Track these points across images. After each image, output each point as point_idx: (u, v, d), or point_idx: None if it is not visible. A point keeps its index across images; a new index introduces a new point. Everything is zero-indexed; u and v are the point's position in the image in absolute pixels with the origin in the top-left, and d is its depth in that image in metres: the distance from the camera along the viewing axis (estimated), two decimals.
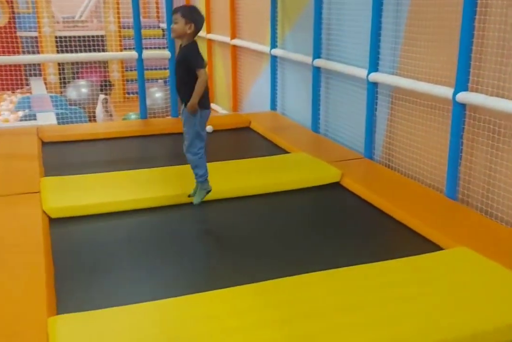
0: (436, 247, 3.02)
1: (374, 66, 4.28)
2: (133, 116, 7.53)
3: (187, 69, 3.16)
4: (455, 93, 3.44)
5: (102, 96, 7.76)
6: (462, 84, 3.42)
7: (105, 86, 7.94)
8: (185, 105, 3.23)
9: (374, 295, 2.42)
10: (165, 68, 9.35)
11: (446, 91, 3.55)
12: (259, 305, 2.33)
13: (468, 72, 3.41)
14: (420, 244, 3.09)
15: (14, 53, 8.68)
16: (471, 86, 3.44)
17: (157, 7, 11.70)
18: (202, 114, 3.24)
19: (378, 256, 2.86)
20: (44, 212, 3.38)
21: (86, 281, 2.70)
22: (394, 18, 4.13)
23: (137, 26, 5.82)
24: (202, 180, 3.34)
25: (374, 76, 4.28)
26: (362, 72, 4.44)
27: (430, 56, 3.81)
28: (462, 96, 3.40)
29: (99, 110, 7.62)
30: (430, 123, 3.90)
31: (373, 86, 4.36)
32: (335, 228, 3.37)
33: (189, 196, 3.53)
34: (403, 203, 3.53)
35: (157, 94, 7.75)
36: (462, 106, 3.47)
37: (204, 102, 3.24)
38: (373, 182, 4.02)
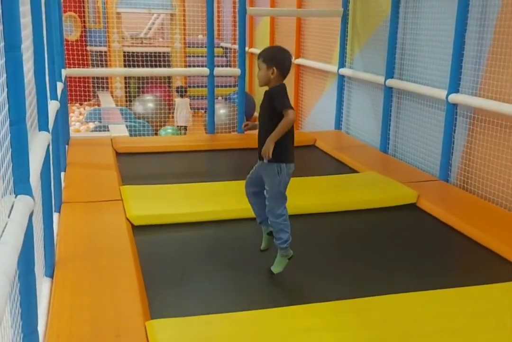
0: None
1: (454, 87, 4.22)
2: (169, 130, 7.78)
3: (271, 113, 2.69)
4: None
5: (183, 100, 8.10)
6: None
7: (181, 91, 8.27)
8: (262, 158, 2.70)
9: (473, 320, 2.36)
10: (225, 86, 9.60)
11: None
12: (354, 322, 2.30)
13: None
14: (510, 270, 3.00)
15: (84, 66, 9.01)
16: None
17: (218, 26, 11.92)
18: (286, 169, 2.74)
19: (467, 280, 2.79)
20: (127, 219, 3.46)
21: (172, 287, 2.74)
22: (478, 39, 4.08)
23: (210, 44, 5.95)
24: (285, 246, 2.81)
25: (455, 97, 4.22)
26: (441, 93, 4.39)
27: None
28: None
29: (182, 112, 7.93)
30: None
31: (452, 107, 4.30)
32: (419, 249, 3.30)
33: (261, 250, 3.05)
34: (487, 227, 3.43)
35: (221, 111, 7.87)
36: None
37: (290, 155, 2.76)
38: (452, 204, 3.93)
